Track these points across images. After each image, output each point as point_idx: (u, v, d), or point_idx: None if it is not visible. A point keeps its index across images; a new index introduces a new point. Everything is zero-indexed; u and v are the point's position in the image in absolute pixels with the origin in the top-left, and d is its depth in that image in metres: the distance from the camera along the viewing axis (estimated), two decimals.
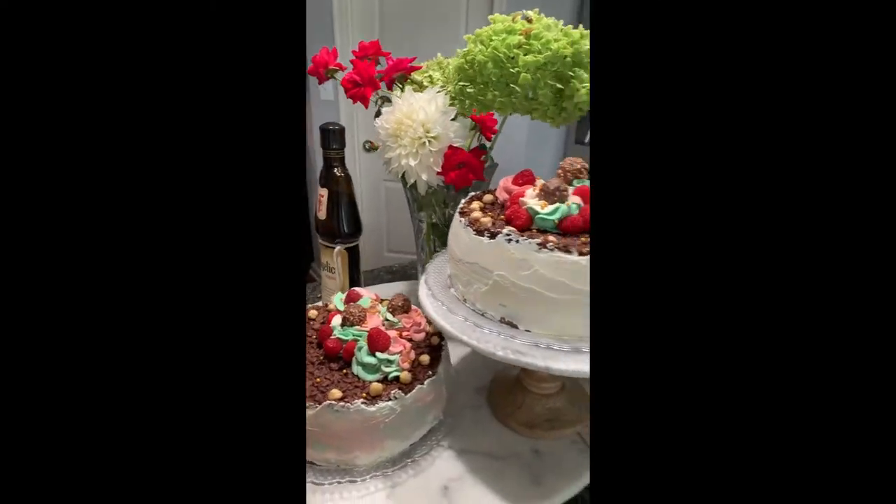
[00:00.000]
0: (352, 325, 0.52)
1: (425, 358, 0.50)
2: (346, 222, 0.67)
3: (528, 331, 0.41)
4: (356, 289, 0.59)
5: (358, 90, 0.59)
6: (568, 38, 0.49)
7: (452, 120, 0.58)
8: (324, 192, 0.66)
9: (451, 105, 0.57)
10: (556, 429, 0.52)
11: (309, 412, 0.44)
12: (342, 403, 0.44)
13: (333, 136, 0.64)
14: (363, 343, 0.49)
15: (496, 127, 0.65)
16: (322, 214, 0.67)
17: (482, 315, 0.44)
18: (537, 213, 0.43)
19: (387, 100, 0.65)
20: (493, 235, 0.41)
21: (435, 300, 0.47)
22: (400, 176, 0.61)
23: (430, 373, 0.49)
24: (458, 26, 1.71)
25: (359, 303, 0.56)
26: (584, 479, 0.48)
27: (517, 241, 0.40)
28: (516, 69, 0.49)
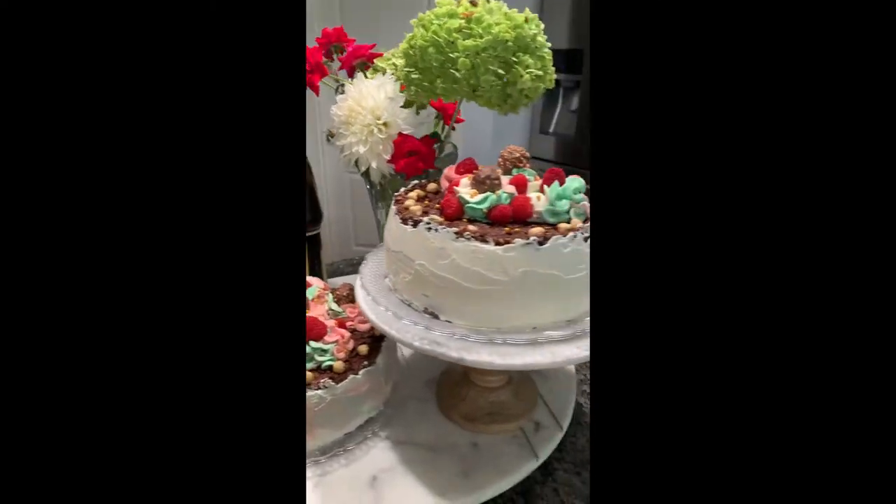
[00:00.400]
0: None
1: (363, 348, 0.50)
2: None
3: (448, 321, 0.40)
4: (307, 278, 0.59)
5: (307, 77, 0.58)
6: (511, 21, 0.47)
7: (403, 107, 0.57)
8: None
9: (403, 92, 0.56)
10: (498, 423, 0.51)
11: None
12: None
13: None
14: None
15: (458, 114, 0.63)
16: None
17: (409, 305, 0.43)
18: (467, 202, 0.42)
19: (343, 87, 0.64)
20: (415, 224, 0.40)
21: (364, 290, 0.46)
22: (353, 163, 0.60)
23: (366, 363, 0.48)
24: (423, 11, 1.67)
25: (308, 292, 0.56)
26: (519, 475, 0.47)
27: (436, 230, 0.39)
28: (455, 54, 0.47)
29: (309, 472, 0.46)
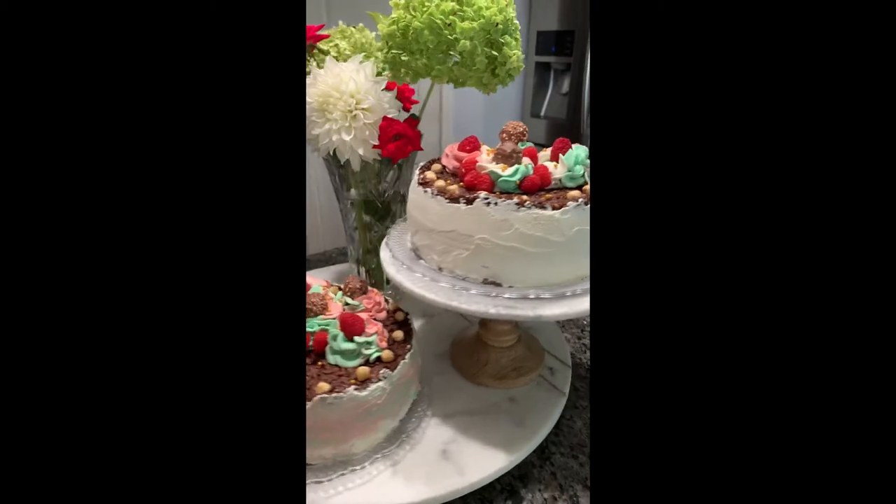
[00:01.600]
0: (315, 315, 0.49)
1: (399, 334, 0.50)
2: None
3: (510, 287, 0.44)
4: (309, 282, 0.55)
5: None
6: (497, 4, 0.51)
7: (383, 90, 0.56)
8: None
9: (380, 74, 0.55)
10: (523, 375, 0.57)
11: None
12: (334, 395, 0.42)
13: None
14: (336, 331, 0.47)
15: (415, 97, 0.64)
16: None
17: (463, 279, 0.45)
18: (500, 175, 0.45)
19: None
20: (469, 201, 0.42)
21: (412, 273, 0.46)
22: (331, 153, 0.58)
23: (408, 347, 0.49)
24: None
25: (311, 291, 0.53)
26: (557, 411, 0.53)
27: (496, 204, 0.41)
28: (454, 36, 0.49)
29: (380, 465, 0.46)
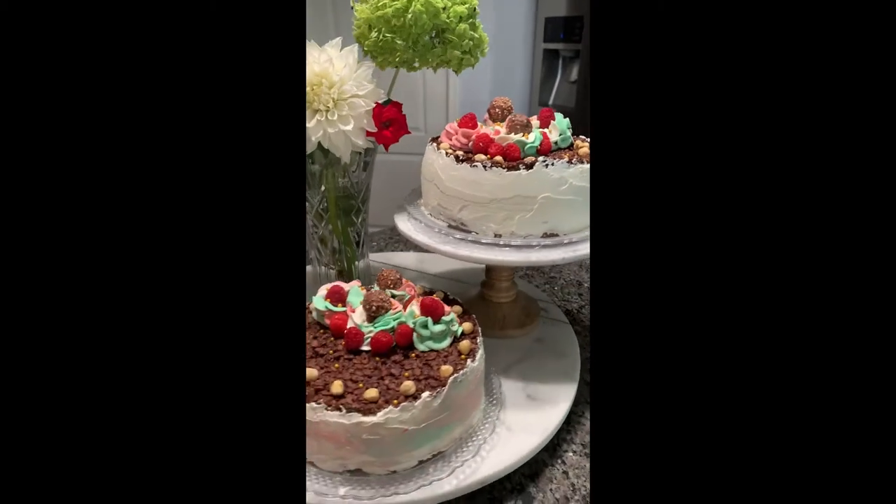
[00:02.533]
0: (385, 312, 0.47)
1: (458, 308, 0.52)
2: None
3: (565, 235, 0.51)
4: (337, 283, 0.51)
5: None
6: None
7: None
8: None
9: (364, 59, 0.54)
10: (532, 318, 0.65)
11: (433, 402, 0.41)
12: (460, 373, 0.43)
13: None
14: (422, 319, 0.46)
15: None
16: None
17: (525, 237, 0.50)
18: (526, 143, 0.51)
19: None
20: (529, 166, 0.48)
21: (473, 245, 0.50)
22: (309, 151, 0.53)
23: (472, 315, 0.51)
24: None
25: (351, 293, 0.50)
26: (578, 338, 0.64)
27: (553, 164, 0.48)
28: (448, 19, 0.52)
29: (498, 427, 0.48)
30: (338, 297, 0.50)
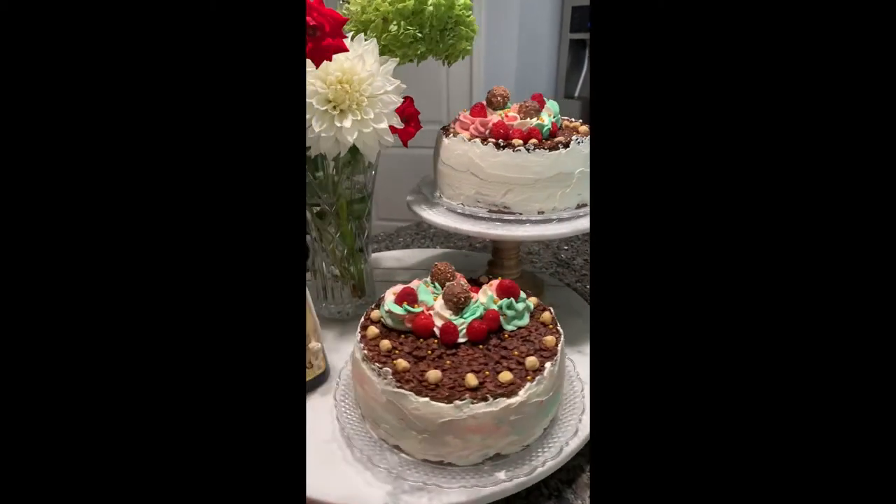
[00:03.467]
0: (465, 303, 0.48)
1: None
2: None
3: None
4: (408, 285, 0.49)
5: (328, 42, 0.41)
6: None
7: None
8: None
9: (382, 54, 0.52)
10: (540, 291, 0.71)
11: (554, 370, 0.44)
12: (560, 341, 0.47)
13: None
14: (506, 300, 0.48)
15: None
16: None
17: (563, 210, 0.55)
18: (543, 125, 0.56)
19: None
20: (566, 144, 0.52)
21: (516, 226, 0.53)
22: (337, 152, 0.50)
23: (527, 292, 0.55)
24: None
25: (419, 293, 0.49)
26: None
27: (582, 142, 0.53)
28: (461, 12, 0.53)
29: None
30: (411, 298, 0.48)
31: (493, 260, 0.69)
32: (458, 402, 0.40)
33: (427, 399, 0.40)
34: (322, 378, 0.54)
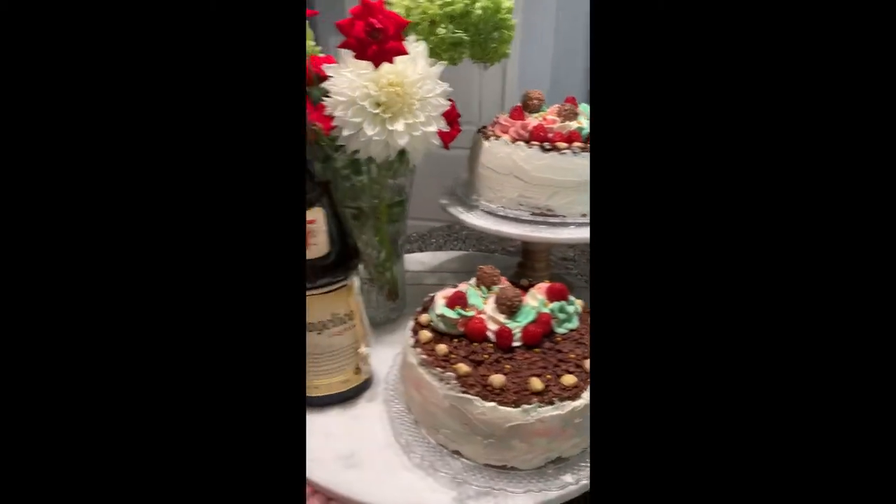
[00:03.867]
0: (519, 307, 0.48)
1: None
2: (349, 239, 0.47)
3: None
4: (456, 288, 0.49)
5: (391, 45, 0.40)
6: None
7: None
8: (316, 213, 0.43)
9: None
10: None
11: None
12: None
13: None
14: (558, 304, 0.48)
15: None
16: (322, 247, 0.44)
17: None
18: (583, 128, 0.57)
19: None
20: None
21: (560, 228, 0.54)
22: (386, 155, 0.49)
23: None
24: None
25: (469, 296, 0.49)
26: None
27: None
28: (503, 16, 0.53)
29: None
30: (462, 302, 0.48)
31: (523, 262, 0.69)
32: (525, 407, 0.40)
33: (494, 404, 0.40)
34: (367, 384, 0.53)
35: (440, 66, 0.51)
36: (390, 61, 0.42)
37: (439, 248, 0.94)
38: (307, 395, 0.50)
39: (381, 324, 0.65)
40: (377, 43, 0.40)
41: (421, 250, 0.93)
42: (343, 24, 0.40)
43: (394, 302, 0.65)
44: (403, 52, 0.42)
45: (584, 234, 0.54)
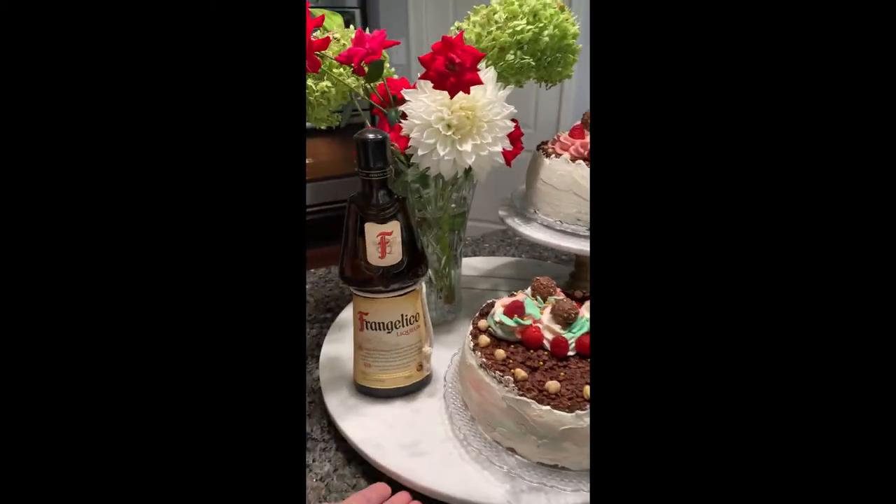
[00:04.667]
0: (574, 319, 0.51)
1: None
2: (419, 248, 0.52)
3: None
4: (514, 297, 0.53)
5: (468, 76, 0.45)
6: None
7: None
8: (394, 225, 0.48)
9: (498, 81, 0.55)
10: None
11: None
12: None
13: (376, 149, 0.46)
14: None
15: None
16: (397, 256, 0.49)
17: None
18: None
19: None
20: None
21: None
22: (454, 173, 0.53)
23: None
24: None
25: (526, 306, 0.53)
26: None
27: None
28: (569, 42, 0.56)
29: None
30: (520, 311, 0.52)
31: (576, 272, 0.72)
32: (578, 412, 0.43)
33: (549, 407, 0.44)
34: (428, 380, 0.58)
35: (507, 90, 0.54)
36: (467, 91, 0.46)
37: (492, 253, 0.98)
38: (373, 387, 0.55)
39: (438, 325, 0.69)
40: (455, 76, 0.44)
41: (475, 254, 0.97)
42: (425, 60, 0.44)
43: (450, 305, 0.70)
44: (479, 83, 0.46)
45: None
